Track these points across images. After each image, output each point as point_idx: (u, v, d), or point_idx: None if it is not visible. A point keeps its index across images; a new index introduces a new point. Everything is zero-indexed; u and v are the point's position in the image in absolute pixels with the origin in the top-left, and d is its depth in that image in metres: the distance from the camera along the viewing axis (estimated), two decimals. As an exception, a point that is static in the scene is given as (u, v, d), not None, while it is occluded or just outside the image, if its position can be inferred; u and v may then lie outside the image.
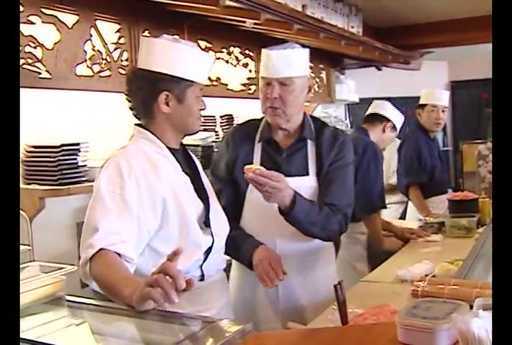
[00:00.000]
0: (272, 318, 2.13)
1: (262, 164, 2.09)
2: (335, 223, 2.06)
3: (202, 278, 1.81)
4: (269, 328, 2.05)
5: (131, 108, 1.83)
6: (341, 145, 2.15)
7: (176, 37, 1.84)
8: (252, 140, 2.19)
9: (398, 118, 3.47)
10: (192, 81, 1.77)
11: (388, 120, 3.40)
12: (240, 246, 2.06)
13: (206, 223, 1.82)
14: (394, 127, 3.44)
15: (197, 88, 1.81)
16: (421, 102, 4.08)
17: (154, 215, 1.68)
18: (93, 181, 1.86)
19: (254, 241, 2.07)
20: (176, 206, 1.72)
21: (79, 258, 1.62)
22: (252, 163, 2.12)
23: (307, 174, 2.11)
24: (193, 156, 1.97)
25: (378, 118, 3.39)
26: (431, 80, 7.01)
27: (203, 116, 2.20)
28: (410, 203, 4.10)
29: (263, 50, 2.08)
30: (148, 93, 1.76)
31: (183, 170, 1.83)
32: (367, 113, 3.52)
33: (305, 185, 2.09)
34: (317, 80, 5.26)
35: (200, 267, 1.80)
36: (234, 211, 2.13)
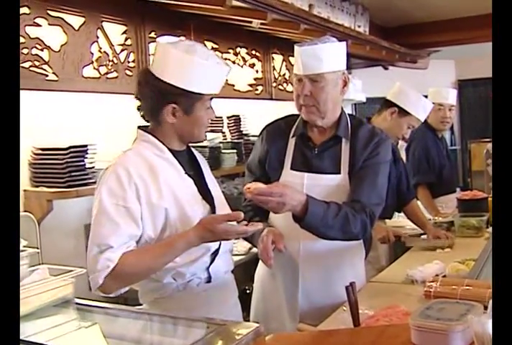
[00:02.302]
0: (290, 318, 2.11)
1: (293, 160, 2.09)
2: (357, 224, 1.93)
3: (209, 280, 1.80)
4: (287, 329, 2.04)
5: (139, 109, 1.81)
6: (377, 144, 2.07)
7: (192, 43, 1.79)
8: (287, 135, 2.15)
9: (408, 101, 3.06)
10: (202, 94, 1.73)
11: (394, 104, 3.06)
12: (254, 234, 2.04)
13: None
14: (403, 112, 3.03)
15: (207, 99, 1.77)
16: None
17: (153, 225, 1.69)
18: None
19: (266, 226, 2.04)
20: (179, 212, 1.71)
21: (87, 260, 1.61)
22: (284, 158, 2.11)
23: (339, 172, 2.05)
24: (198, 157, 1.95)
25: (385, 104, 3.21)
26: (439, 79, 6.97)
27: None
28: (418, 202, 4.07)
29: (295, 47, 2.02)
30: (156, 102, 1.74)
31: (186, 173, 1.82)
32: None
33: (336, 183, 2.04)
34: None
35: (207, 269, 1.79)
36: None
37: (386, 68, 6.34)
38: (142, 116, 1.82)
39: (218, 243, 1.79)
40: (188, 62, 1.68)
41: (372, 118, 3.12)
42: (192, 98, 1.72)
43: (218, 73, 1.76)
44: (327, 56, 1.97)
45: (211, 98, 1.79)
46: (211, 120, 1.85)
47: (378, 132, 2.12)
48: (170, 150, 1.79)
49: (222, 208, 1.88)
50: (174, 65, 1.70)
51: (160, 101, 1.72)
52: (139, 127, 1.84)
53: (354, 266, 2.15)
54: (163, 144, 1.78)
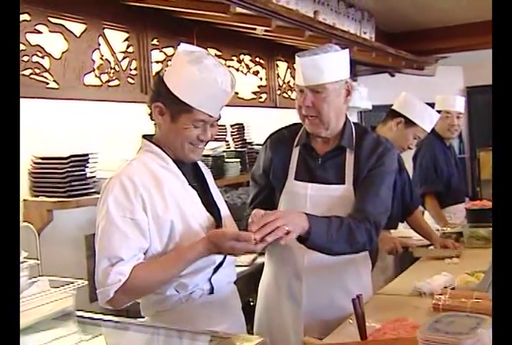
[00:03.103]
0: (294, 331, 2.10)
1: (297, 170, 2.10)
2: (361, 234, 1.93)
3: (211, 292, 1.80)
4: (292, 342, 2.03)
5: (150, 115, 1.82)
6: (382, 153, 2.07)
7: (204, 55, 1.76)
8: (291, 144, 2.16)
9: (414, 111, 3.08)
10: (191, 107, 1.69)
11: (400, 115, 3.07)
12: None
13: None
14: (409, 122, 3.04)
15: (199, 116, 1.71)
16: (436, 108, 4.04)
17: (159, 237, 1.69)
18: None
19: None
20: (183, 225, 1.72)
21: (88, 271, 1.62)
22: (288, 168, 2.12)
23: (343, 183, 2.05)
24: (202, 167, 1.95)
25: (390, 114, 3.23)
26: (446, 86, 6.98)
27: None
28: (426, 212, 4.07)
29: (296, 57, 2.02)
30: (151, 98, 1.77)
31: (190, 184, 1.82)
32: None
33: (341, 194, 2.04)
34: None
35: (209, 280, 1.79)
36: None
37: (392, 75, 6.35)
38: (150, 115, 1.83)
39: (223, 255, 1.80)
40: (185, 71, 1.69)
41: (377, 128, 3.12)
42: (179, 107, 1.70)
43: (216, 91, 1.71)
44: (328, 66, 1.96)
45: (207, 120, 1.74)
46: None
47: (383, 141, 2.12)
48: (174, 161, 1.79)
49: (227, 220, 1.89)
50: (174, 70, 1.72)
51: (153, 99, 1.75)
52: (143, 136, 1.84)
53: (360, 277, 2.14)
54: (167, 154, 1.78)
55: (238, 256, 1.73)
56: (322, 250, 1.90)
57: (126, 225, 1.63)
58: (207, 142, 1.80)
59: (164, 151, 1.78)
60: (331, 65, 1.97)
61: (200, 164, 1.97)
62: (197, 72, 1.67)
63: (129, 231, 1.63)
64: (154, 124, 1.82)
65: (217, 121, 1.79)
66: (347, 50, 2.05)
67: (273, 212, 1.79)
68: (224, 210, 1.91)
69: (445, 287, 2.14)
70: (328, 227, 1.86)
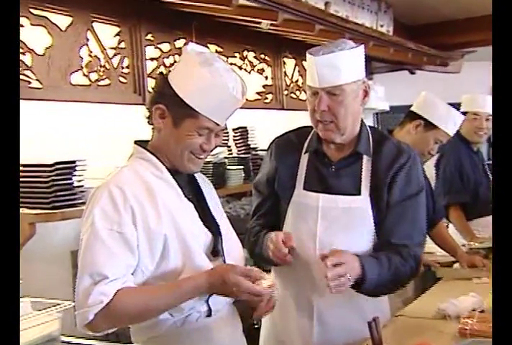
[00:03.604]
0: None
1: (306, 179, 2.11)
2: (406, 274, 2.02)
3: (209, 314, 1.80)
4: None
5: (148, 118, 1.83)
6: (406, 164, 2.07)
7: (217, 59, 1.79)
8: (299, 150, 2.17)
9: (436, 113, 3.07)
10: (197, 112, 1.71)
11: (419, 117, 3.07)
12: (261, 246, 2.09)
13: (215, 253, 1.82)
14: (430, 125, 3.04)
15: (204, 123, 1.72)
16: (462, 109, 4.05)
17: (151, 253, 1.69)
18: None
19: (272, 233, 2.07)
20: (178, 240, 1.71)
21: (74, 292, 1.62)
22: (296, 176, 2.13)
23: (358, 193, 2.06)
24: (200, 179, 1.95)
25: (409, 116, 3.14)
26: (473, 84, 6.96)
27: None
28: (450, 226, 4.06)
29: (307, 54, 2.02)
30: (152, 99, 1.79)
31: (186, 196, 1.82)
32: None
33: (356, 206, 2.05)
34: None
35: (207, 301, 1.79)
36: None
37: (413, 73, 6.36)
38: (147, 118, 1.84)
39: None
40: (194, 73, 1.70)
41: (395, 132, 3.12)
42: (183, 111, 1.71)
43: (225, 98, 1.73)
44: (346, 65, 1.96)
45: (213, 129, 1.76)
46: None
47: (405, 148, 2.12)
48: (169, 170, 1.80)
49: (227, 237, 1.89)
50: (182, 71, 1.74)
51: (154, 100, 1.76)
52: (135, 142, 1.85)
53: (376, 298, 2.14)
54: (162, 163, 1.79)
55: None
56: (368, 293, 1.98)
57: (113, 239, 1.63)
58: (209, 153, 1.82)
59: (158, 159, 1.79)
60: (347, 63, 1.97)
61: (200, 176, 1.98)
62: (208, 75, 1.69)
63: (116, 245, 1.62)
64: (152, 129, 1.83)
65: (223, 130, 1.81)
66: (363, 46, 2.06)
67: (338, 253, 1.83)
68: (224, 223, 1.91)
69: (473, 310, 2.14)
70: (380, 271, 1.92)
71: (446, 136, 3.08)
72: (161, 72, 1.86)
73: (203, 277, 1.65)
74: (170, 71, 1.80)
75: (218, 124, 1.75)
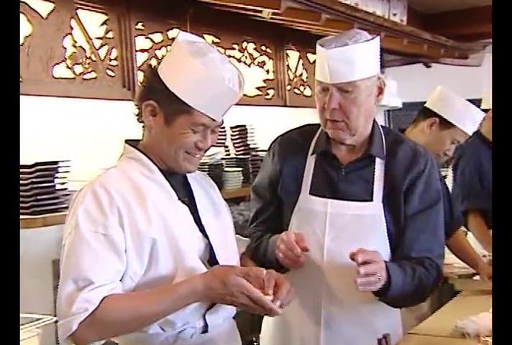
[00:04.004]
0: None
1: (313, 183, 2.10)
2: (429, 285, 2.04)
3: (205, 330, 1.79)
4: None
5: (137, 116, 1.83)
6: (425, 171, 2.08)
7: (210, 48, 1.79)
8: (305, 151, 2.16)
9: (453, 110, 3.05)
10: (190, 107, 1.70)
11: (434, 114, 3.05)
12: (266, 249, 2.09)
13: (211, 261, 1.81)
14: (446, 123, 3.02)
15: (199, 119, 1.72)
16: (482, 106, 4.03)
17: (139, 258, 1.68)
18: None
19: (277, 236, 2.05)
20: (170, 244, 1.71)
21: (55, 305, 1.61)
22: (301, 180, 2.12)
23: (371, 199, 2.06)
24: (191, 180, 1.94)
25: (423, 114, 3.13)
26: (494, 80, 6.99)
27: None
28: (470, 234, 4.05)
29: (317, 46, 2.00)
30: (141, 95, 1.79)
31: (180, 199, 1.82)
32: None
33: (368, 213, 2.05)
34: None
35: (203, 315, 1.79)
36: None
37: (428, 66, 6.37)
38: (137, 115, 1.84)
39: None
40: (187, 64, 1.70)
41: (407, 131, 3.10)
42: (176, 106, 1.71)
43: (222, 91, 1.73)
44: (360, 59, 1.95)
45: (208, 125, 1.76)
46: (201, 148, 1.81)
47: (422, 152, 2.13)
48: (163, 171, 1.79)
49: (223, 239, 1.89)
50: (173, 63, 1.74)
51: (144, 96, 1.76)
52: (126, 141, 1.85)
53: (388, 313, 2.13)
54: (154, 163, 1.79)
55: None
56: (390, 302, 2.00)
57: (99, 242, 1.63)
58: (206, 151, 1.81)
59: (150, 159, 1.79)
60: (362, 57, 1.97)
61: (202, 177, 2.01)
62: (201, 67, 1.69)
63: (102, 249, 1.62)
64: (143, 127, 1.82)
65: (219, 126, 1.80)
66: (378, 39, 2.05)
67: (368, 251, 1.85)
68: (221, 228, 1.91)
69: (494, 327, 2.13)
70: (404, 279, 1.94)
71: (464, 136, 3.06)
72: (149, 65, 1.85)
73: (198, 279, 1.64)
74: (159, 63, 1.79)
75: (214, 120, 1.75)
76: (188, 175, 1.92)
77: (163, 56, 1.86)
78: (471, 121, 3.07)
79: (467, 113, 3.05)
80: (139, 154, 1.80)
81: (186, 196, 1.86)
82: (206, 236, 1.83)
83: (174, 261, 1.71)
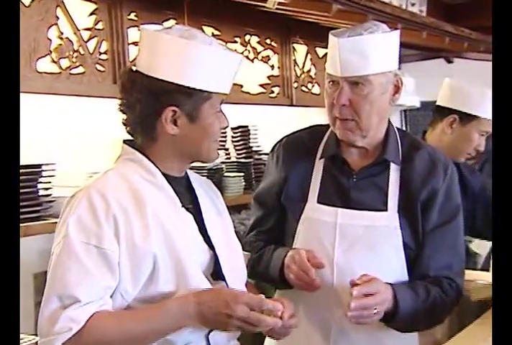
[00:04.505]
0: None
1: (321, 190, 2.10)
2: (445, 308, 2.05)
3: None
4: None
5: (125, 125, 1.83)
6: (444, 180, 2.08)
7: (188, 28, 1.82)
8: (313, 155, 2.16)
9: (470, 100, 3.00)
10: (210, 92, 1.76)
11: (452, 111, 2.99)
12: (269, 263, 2.09)
13: (216, 275, 1.82)
14: (467, 117, 2.95)
15: (217, 101, 1.79)
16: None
17: (132, 275, 1.67)
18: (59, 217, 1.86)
19: (282, 250, 2.07)
20: (171, 258, 1.70)
21: (36, 324, 1.62)
22: (308, 187, 2.12)
23: (385, 209, 2.05)
24: (196, 185, 1.95)
25: (438, 113, 3.06)
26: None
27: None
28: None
29: (330, 36, 2.01)
30: (149, 107, 1.76)
31: (184, 206, 1.82)
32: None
33: (381, 224, 2.04)
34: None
35: (207, 336, 1.79)
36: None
37: (450, 61, 6.37)
38: (130, 133, 1.83)
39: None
40: (187, 50, 1.72)
41: (427, 134, 3.08)
42: (197, 98, 1.74)
43: (227, 64, 1.80)
44: (375, 51, 1.96)
45: (222, 102, 1.82)
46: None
47: (441, 159, 2.13)
48: (164, 175, 1.80)
49: (229, 252, 1.90)
50: (168, 56, 1.74)
51: (155, 106, 1.75)
52: (124, 142, 1.86)
53: (403, 339, 2.13)
54: (155, 166, 1.79)
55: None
56: (399, 329, 1.99)
57: (90, 255, 1.62)
58: None
59: (151, 162, 1.79)
60: (377, 50, 1.97)
61: (205, 182, 2.03)
62: (203, 46, 1.73)
63: (93, 262, 1.62)
64: (130, 134, 1.83)
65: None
66: (398, 32, 2.06)
67: (370, 281, 1.84)
68: (227, 240, 1.93)
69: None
70: (415, 304, 1.94)
71: (490, 124, 3.02)
72: (130, 69, 1.83)
73: (191, 296, 1.65)
74: (133, 65, 1.80)
75: (226, 94, 1.82)
76: (192, 180, 1.93)
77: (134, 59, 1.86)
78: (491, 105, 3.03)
79: (486, 99, 3.01)
80: (139, 155, 1.79)
81: (191, 203, 1.87)
82: (211, 247, 1.84)
83: (175, 277, 1.71)
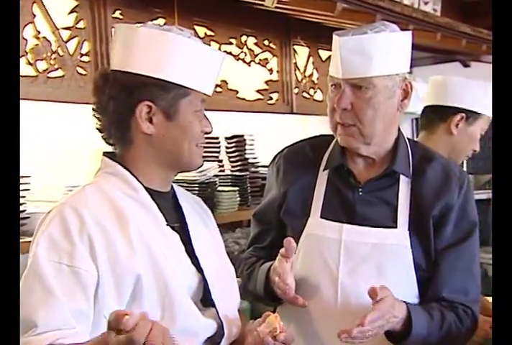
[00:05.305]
0: None
1: (325, 204, 2.11)
2: (460, 337, 2.06)
3: None
4: None
5: (99, 130, 1.84)
6: (459, 195, 2.09)
7: (187, 30, 1.85)
8: (316, 166, 2.18)
9: (474, 97, 3.04)
10: (188, 88, 1.78)
11: (458, 110, 3.03)
12: (256, 280, 2.11)
13: (205, 300, 1.83)
14: (471, 116, 3.00)
15: (196, 100, 1.81)
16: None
17: (118, 296, 1.67)
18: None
19: (269, 263, 2.08)
20: (156, 281, 1.71)
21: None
22: (311, 201, 2.13)
23: (394, 225, 2.06)
24: (183, 201, 1.95)
25: (439, 115, 3.08)
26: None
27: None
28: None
29: (334, 36, 2.03)
30: (122, 103, 1.78)
31: (169, 225, 1.83)
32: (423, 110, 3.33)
33: (391, 242, 2.05)
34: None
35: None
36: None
37: (467, 65, 6.38)
38: (105, 140, 1.85)
39: (215, 325, 1.81)
40: (162, 41, 1.75)
41: (422, 139, 3.05)
42: (173, 94, 1.77)
43: (207, 60, 1.82)
44: (380, 52, 1.97)
45: (203, 103, 1.84)
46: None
47: (456, 171, 2.14)
48: (148, 190, 1.81)
49: (220, 274, 1.90)
50: (141, 48, 1.77)
51: (128, 102, 1.77)
52: (104, 154, 1.87)
53: None
54: (138, 180, 1.80)
55: None
56: None
57: (60, 275, 1.62)
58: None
59: (133, 176, 1.80)
60: (382, 50, 1.98)
61: (194, 199, 2.04)
62: (180, 37, 1.76)
63: (60, 285, 1.61)
64: (106, 141, 1.85)
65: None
66: (409, 33, 2.07)
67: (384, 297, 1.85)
68: (218, 260, 1.93)
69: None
70: (430, 328, 1.95)
71: (488, 121, 3.04)
72: (104, 70, 1.89)
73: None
74: (108, 66, 1.84)
75: (208, 95, 1.85)
76: (179, 197, 1.94)
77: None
78: (489, 101, 3.05)
79: (488, 95, 3.03)
80: (120, 168, 1.81)
81: (177, 221, 1.87)
82: (199, 270, 1.84)
83: (160, 302, 1.71)
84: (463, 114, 2.96)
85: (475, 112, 2.99)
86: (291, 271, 1.95)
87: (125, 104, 1.77)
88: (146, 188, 1.81)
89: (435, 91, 3.12)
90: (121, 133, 1.81)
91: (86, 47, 3.16)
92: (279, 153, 2.28)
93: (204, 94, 1.83)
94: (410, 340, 1.91)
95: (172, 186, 1.94)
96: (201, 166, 1.93)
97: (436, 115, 3.06)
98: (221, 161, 4.00)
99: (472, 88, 3.04)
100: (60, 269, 1.63)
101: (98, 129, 1.84)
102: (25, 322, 1.57)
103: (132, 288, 1.69)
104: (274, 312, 2.17)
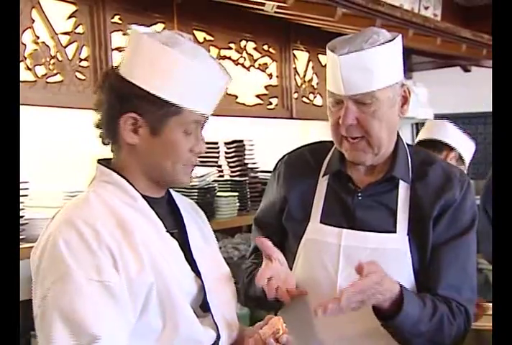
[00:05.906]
0: None
1: (325, 209, 2.11)
2: (451, 332, 2.02)
3: None
4: None
5: (97, 126, 1.83)
6: (458, 196, 2.10)
7: (177, 35, 1.83)
8: (316, 172, 2.18)
9: (466, 145, 3.49)
10: (179, 107, 1.75)
11: (452, 148, 3.43)
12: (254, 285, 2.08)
13: (204, 306, 1.82)
14: (461, 159, 3.46)
15: (188, 119, 1.77)
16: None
17: (134, 305, 1.67)
18: (33, 241, 1.83)
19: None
20: (160, 289, 1.70)
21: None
22: (311, 206, 2.14)
23: (393, 230, 2.07)
24: (180, 207, 1.96)
25: (436, 147, 3.39)
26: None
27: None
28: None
29: (327, 51, 2.03)
30: (111, 110, 1.77)
31: (168, 231, 1.82)
32: (418, 139, 3.68)
33: (390, 246, 2.06)
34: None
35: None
36: None
37: (467, 70, 6.38)
38: (101, 137, 1.84)
39: (214, 334, 1.81)
40: (163, 57, 1.73)
41: None
42: (163, 111, 1.74)
43: (209, 81, 1.78)
44: (379, 65, 1.97)
45: (202, 125, 1.82)
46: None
47: (457, 174, 2.14)
48: (144, 197, 1.80)
49: (217, 281, 1.90)
50: (143, 59, 1.75)
51: (116, 109, 1.76)
52: (99, 161, 1.85)
53: None
54: (134, 187, 1.79)
55: None
56: (397, 337, 1.96)
57: (98, 291, 1.61)
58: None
59: (130, 183, 1.79)
60: (382, 63, 1.98)
61: (190, 205, 2.03)
62: (181, 57, 1.72)
63: (103, 299, 1.61)
64: (112, 150, 1.84)
65: (207, 120, 1.84)
66: (399, 38, 2.06)
67: (370, 273, 1.84)
68: (215, 266, 1.93)
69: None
70: (421, 312, 1.93)
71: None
72: (107, 72, 1.87)
73: None
74: (116, 66, 1.81)
75: (205, 116, 1.81)
76: (177, 202, 1.94)
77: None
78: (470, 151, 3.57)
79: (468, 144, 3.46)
80: (115, 176, 1.79)
81: (175, 228, 1.87)
82: (198, 275, 1.83)
83: (163, 311, 1.71)
84: (457, 153, 3.53)
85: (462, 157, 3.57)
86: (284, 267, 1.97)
87: (113, 111, 1.76)
88: (142, 195, 1.80)
89: (437, 128, 3.57)
90: (111, 136, 1.81)
91: (85, 52, 3.15)
92: (280, 160, 2.29)
93: (202, 115, 1.80)
94: (399, 319, 1.89)
95: (167, 190, 1.92)
96: (187, 183, 1.90)
97: (433, 147, 3.46)
98: (220, 166, 4.00)
99: (455, 132, 3.60)
100: (92, 284, 1.60)
101: (96, 125, 1.84)
102: (83, 336, 1.57)
103: (144, 298, 1.68)
104: None
